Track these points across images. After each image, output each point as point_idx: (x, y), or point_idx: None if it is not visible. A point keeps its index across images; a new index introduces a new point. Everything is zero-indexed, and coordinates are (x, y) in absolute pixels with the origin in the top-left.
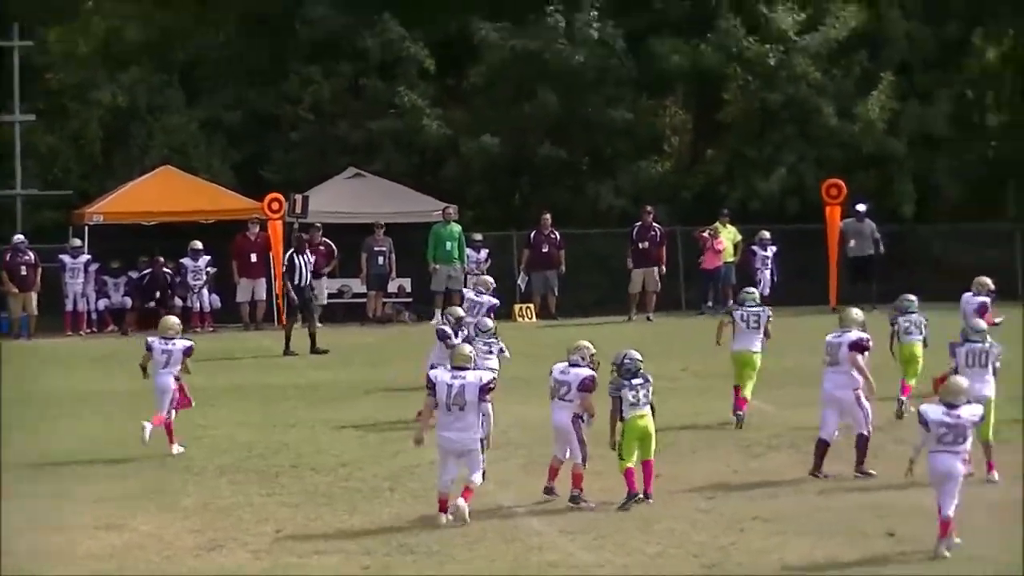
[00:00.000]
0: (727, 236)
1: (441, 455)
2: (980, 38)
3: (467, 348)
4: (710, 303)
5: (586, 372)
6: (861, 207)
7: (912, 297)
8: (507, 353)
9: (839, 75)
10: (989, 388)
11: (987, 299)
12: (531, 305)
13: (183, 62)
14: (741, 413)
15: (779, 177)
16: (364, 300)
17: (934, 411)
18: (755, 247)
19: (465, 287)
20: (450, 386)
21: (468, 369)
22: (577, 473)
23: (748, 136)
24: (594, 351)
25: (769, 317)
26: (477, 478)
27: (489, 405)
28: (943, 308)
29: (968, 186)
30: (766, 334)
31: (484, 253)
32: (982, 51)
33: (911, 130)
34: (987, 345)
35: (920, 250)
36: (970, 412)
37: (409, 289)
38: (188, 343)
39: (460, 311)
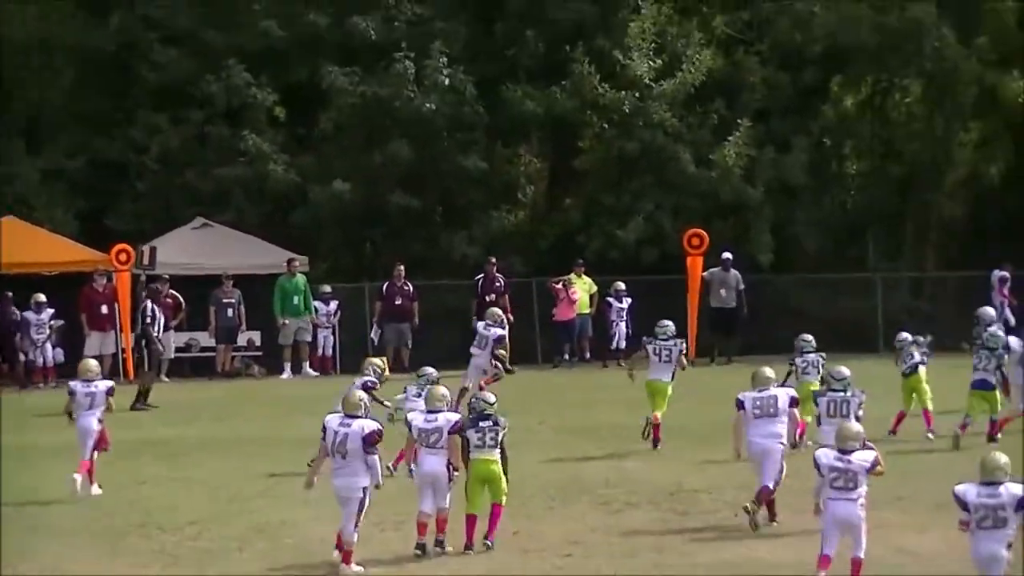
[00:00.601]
0: (582, 287)
1: (338, 502)
2: (838, 85)
3: (357, 395)
4: (566, 356)
5: (455, 416)
6: (727, 256)
7: (809, 337)
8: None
9: (696, 122)
10: None
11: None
12: (383, 358)
13: (23, 109)
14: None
15: (636, 226)
16: (212, 354)
17: (826, 456)
18: (610, 299)
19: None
20: (336, 432)
21: (357, 417)
22: (443, 517)
23: (605, 184)
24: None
25: (682, 351)
26: (347, 531)
27: (376, 456)
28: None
29: (827, 235)
30: (681, 365)
31: (333, 305)
32: (839, 99)
33: (768, 178)
34: (849, 394)
35: (778, 301)
36: (862, 457)
37: (259, 343)
38: (109, 383)
39: (379, 361)
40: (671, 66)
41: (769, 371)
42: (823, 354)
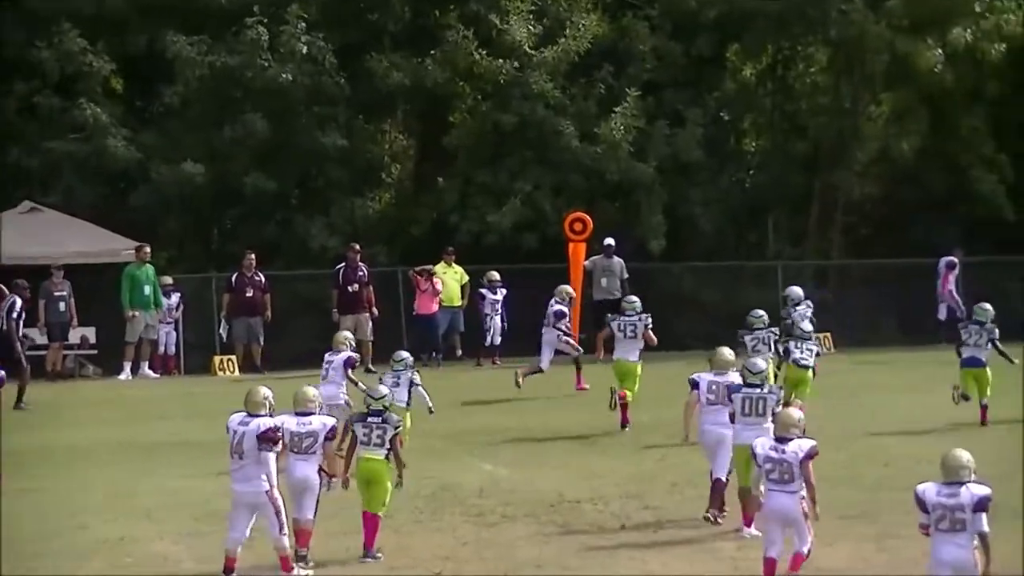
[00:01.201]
0: (452, 276)
1: (231, 508)
2: (735, 54)
3: (262, 393)
4: (433, 354)
5: (331, 420)
6: (610, 242)
7: (760, 313)
8: (423, 390)
9: (580, 93)
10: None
11: None
12: (233, 357)
13: None
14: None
15: (514, 209)
16: (43, 352)
17: (762, 445)
18: (483, 290)
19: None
20: (235, 432)
21: (259, 416)
22: (306, 530)
23: (479, 162)
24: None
25: (647, 325)
26: (274, 537)
27: (269, 455)
28: (694, 356)
29: (724, 218)
30: (649, 341)
31: (176, 298)
32: (738, 69)
33: (660, 155)
34: (766, 390)
35: (671, 290)
36: (797, 447)
37: (93, 340)
38: None
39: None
40: (553, 32)
41: (729, 353)
42: (774, 330)
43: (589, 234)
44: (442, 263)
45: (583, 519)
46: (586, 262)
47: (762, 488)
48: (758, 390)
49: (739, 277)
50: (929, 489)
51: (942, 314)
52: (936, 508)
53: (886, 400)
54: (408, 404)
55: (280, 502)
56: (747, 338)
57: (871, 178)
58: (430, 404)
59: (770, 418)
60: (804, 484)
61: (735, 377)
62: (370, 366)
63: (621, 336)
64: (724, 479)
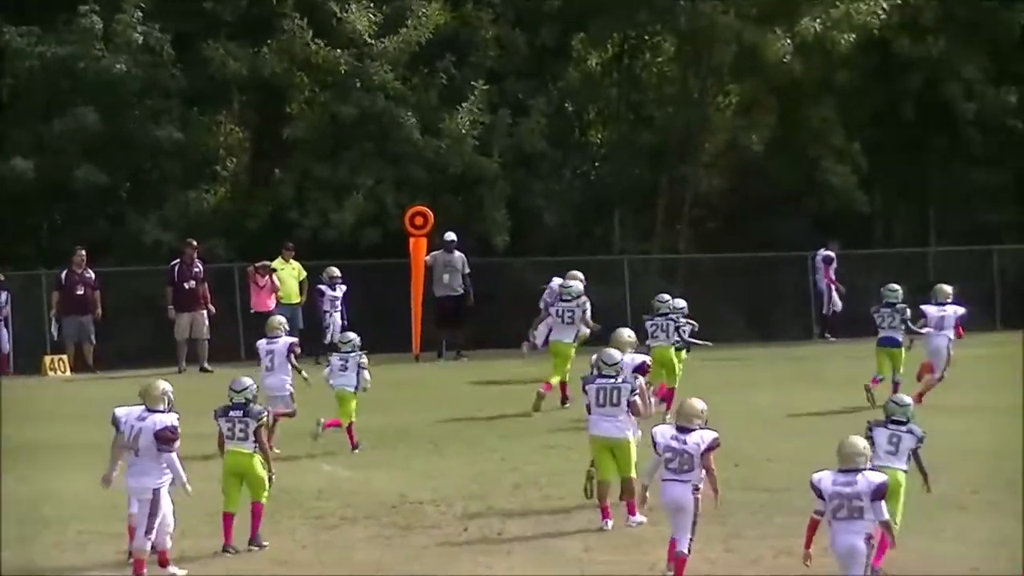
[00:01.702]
0: (290, 273)
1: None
2: (580, 44)
3: (161, 387)
4: None
5: (167, 419)
6: (451, 236)
7: (666, 297)
8: (367, 374)
9: (421, 84)
10: (620, 429)
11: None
12: (64, 357)
13: None
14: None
15: (355, 203)
16: None
17: (663, 434)
18: (322, 286)
19: None
20: (132, 427)
21: (157, 412)
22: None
23: (318, 155)
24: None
25: (585, 311)
26: (137, 537)
27: (172, 455)
28: (534, 352)
29: (569, 212)
30: (586, 325)
31: (4, 296)
32: (583, 59)
33: (503, 147)
34: (620, 380)
35: (515, 286)
36: (699, 438)
37: None
38: None
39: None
40: (394, 21)
41: (628, 334)
42: (678, 316)
43: (430, 229)
44: (280, 259)
45: (425, 520)
46: (427, 257)
47: (656, 477)
48: (612, 380)
49: (584, 272)
50: (825, 477)
51: (836, 307)
52: (833, 497)
53: (737, 398)
54: (357, 388)
55: (162, 506)
56: (648, 323)
57: (719, 171)
58: (368, 386)
59: (625, 408)
60: (705, 475)
61: (627, 359)
62: (205, 365)
63: (559, 320)
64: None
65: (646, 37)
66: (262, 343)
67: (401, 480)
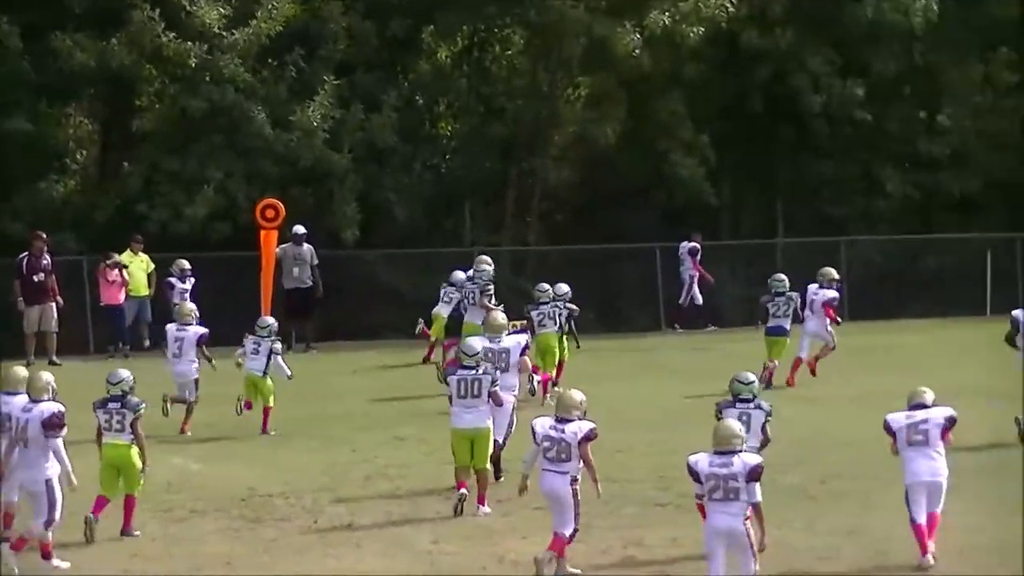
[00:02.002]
0: (139, 266)
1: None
2: (430, 36)
3: (44, 378)
4: (120, 344)
5: (54, 407)
6: (299, 229)
7: (545, 287)
8: (281, 360)
9: (271, 77)
10: (482, 420)
11: (836, 294)
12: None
13: None
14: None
15: (205, 196)
16: None
17: (542, 424)
18: (172, 279)
19: None
20: (17, 419)
21: (42, 401)
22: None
23: (168, 148)
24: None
25: (572, 312)
26: (36, 526)
27: (59, 441)
28: (384, 346)
29: (419, 205)
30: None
31: None
32: (433, 51)
33: (354, 141)
34: (481, 371)
35: (366, 279)
36: (577, 428)
37: None
38: None
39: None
40: (244, 14)
41: (502, 318)
42: (561, 304)
43: (281, 221)
44: (128, 251)
45: (275, 513)
46: (277, 250)
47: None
48: (473, 372)
49: (434, 265)
50: (701, 459)
51: (684, 300)
52: (709, 478)
53: (585, 389)
54: (265, 373)
55: (57, 494)
56: (533, 312)
57: (569, 163)
58: (288, 372)
59: (486, 399)
60: (585, 466)
61: (509, 341)
62: (54, 358)
63: (473, 304)
64: (501, 442)
65: (496, 29)
66: (171, 328)
67: (251, 473)
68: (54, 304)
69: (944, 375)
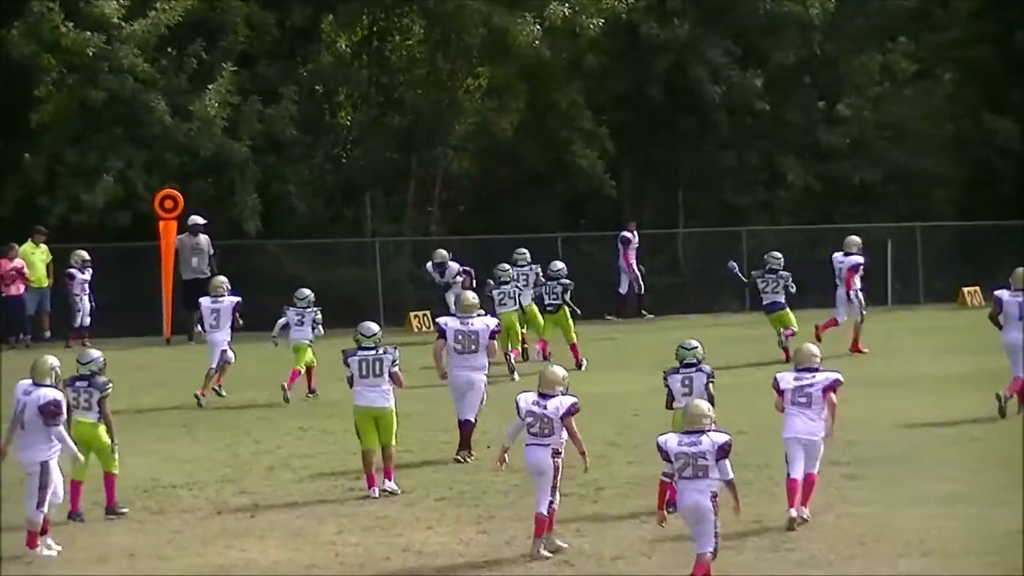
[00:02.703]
0: (40, 257)
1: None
2: (330, 25)
3: (48, 363)
4: (21, 335)
5: (53, 394)
6: (196, 219)
7: (506, 266)
8: (322, 328)
9: (171, 67)
10: (385, 398)
11: (861, 258)
12: None
13: None
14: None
15: (105, 187)
16: None
17: (525, 399)
18: (73, 270)
19: None
20: (18, 401)
21: (44, 386)
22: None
23: (68, 139)
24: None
25: (567, 286)
26: (29, 510)
27: (59, 428)
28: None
29: (320, 195)
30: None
31: None
32: (333, 41)
33: (254, 131)
34: (382, 351)
35: (268, 268)
36: (559, 403)
37: None
38: None
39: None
40: (143, 4)
41: (473, 297)
42: (521, 284)
43: (180, 211)
44: (29, 243)
45: (178, 504)
46: (176, 240)
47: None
48: (374, 352)
49: (335, 255)
50: (671, 439)
51: (623, 288)
52: (679, 457)
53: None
54: (312, 341)
55: (52, 478)
56: (495, 292)
57: (469, 154)
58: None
59: (387, 378)
60: (571, 439)
61: (479, 323)
62: None
63: (510, 301)
64: (472, 420)
65: (395, 19)
66: (206, 302)
67: (154, 464)
68: None
69: (850, 365)
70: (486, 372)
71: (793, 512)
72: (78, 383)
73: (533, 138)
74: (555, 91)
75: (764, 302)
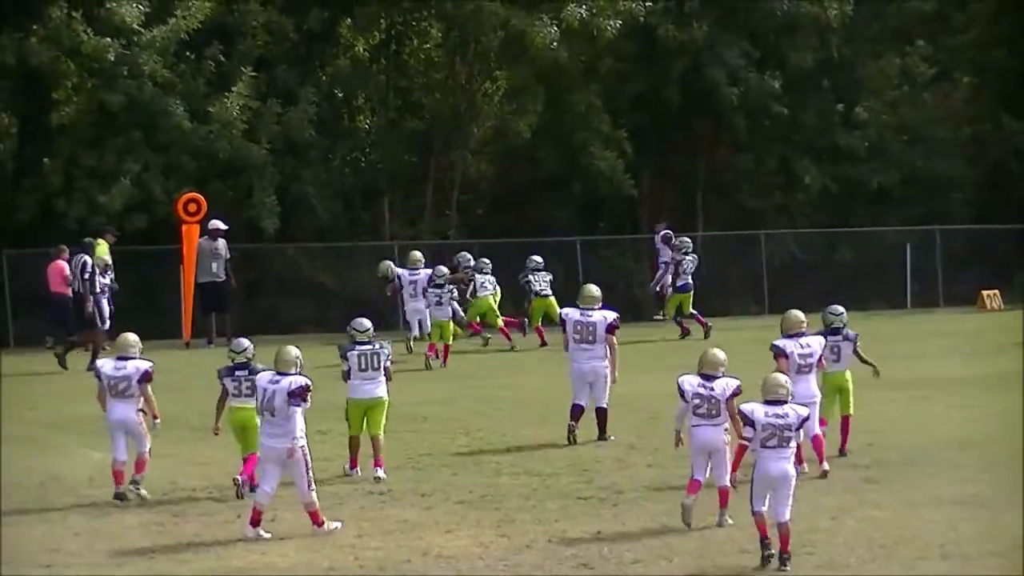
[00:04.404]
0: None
1: (261, 462)
2: (348, 29)
3: (293, 353)
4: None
5: (146, 364)
6: (219, 224)
7: (467, 255)
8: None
9: (190, 72)
10: (381, 390)
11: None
12: None
13: None
14: None
15: (122, 188)
16: None
17: (690, 382)
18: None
19: None
20: (264, 390)
21: (289, 375)
22: (142, 460)
23: (86, 143)
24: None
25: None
26: (309, 493)
27: (299, 411)
28: (305, 339)
29: (338, 199)
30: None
31: None
32: (351, 44)
33: (272, 134)
34: (378, 346)
35: (288, 272)
36: (724, 384)
37: None
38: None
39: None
40: (162, 10)
41: (595, 289)
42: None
43: (203, 215)
44: (103, 241)
45: (197, 508)
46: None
47: (686, 423)
48: (371, 346)
49: (353, 258)
50: (757, 409)
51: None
52: (767, 428)
53: (506, 381)
54: (452, 317)
55: (308, 458)
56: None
57: (487, 157)
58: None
59: (382, 371)
60: (731, 421)
61: (598, 316)
62: None
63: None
64: (605, 406)
65: (413, 23)
66: (405, 273)
67: (172, 467)
68: None
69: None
70: (606, 362)
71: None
72: (237, 372)
73: (551, 141)
74: (572, 93)
75: (679, 283)
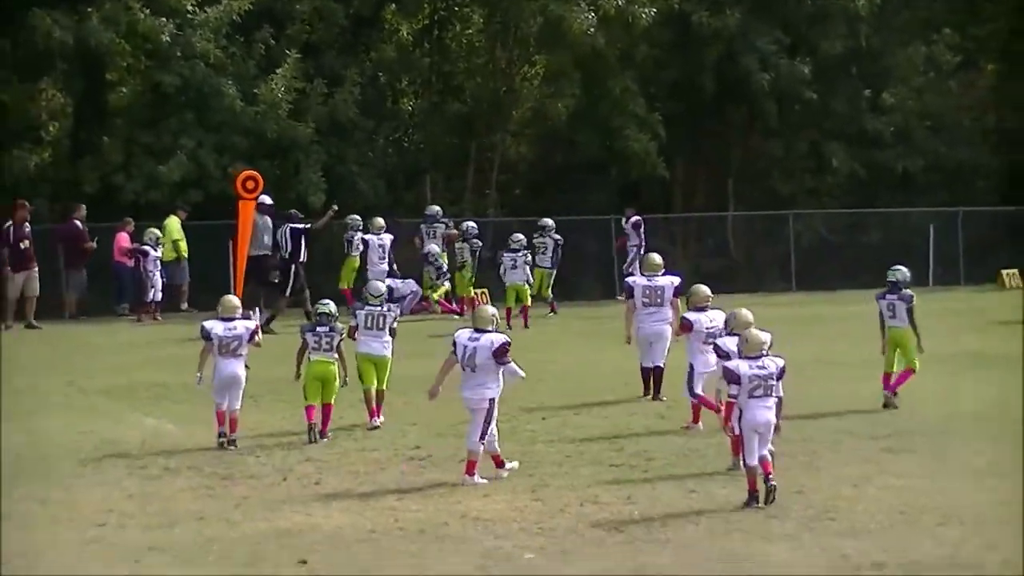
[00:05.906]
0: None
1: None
2: (392, 14)
3: (489, 311)
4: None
5: (254, 324)
6: (265, 199)
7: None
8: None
9: (240, 54)
10: (385, 348)
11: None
12: None
13: None
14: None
15: (180, 163)
16: None
17: (745, 366)
18: (147, 247)
19: None
20: (465, 347)
21: (487, 332)
22: (234, 418)
23: (140, 122)
24: None
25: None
26: (477, 443)
27: (503, 368)
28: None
29: (382, 179)
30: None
31: None
32: (395, 29)
33: (318, 116)
34: (385, 309)
35: (330, 250)
36: (774, 364)
37: None
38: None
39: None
40: None
41: (659, 259)
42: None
43: (260, 192)
44: (175, 217)
45: (246, 471)
46: None
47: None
48: (379, 308)
49: (397, 236)
50: (742, 364)
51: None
52: (753, 379)
53: (545, 355)
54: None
55: (495, 412)
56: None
57: (526, 139)
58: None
59: (388, 331)
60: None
61: (664, 280)
62: (32, 321)
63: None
64: (662, 365)
65: (456, 8)
66: (372, 239)
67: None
68: (36, 270)
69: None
70: (670, 322)
71: None
72: (319, 328)
73: (588, 125)
74: (609, 79)
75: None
